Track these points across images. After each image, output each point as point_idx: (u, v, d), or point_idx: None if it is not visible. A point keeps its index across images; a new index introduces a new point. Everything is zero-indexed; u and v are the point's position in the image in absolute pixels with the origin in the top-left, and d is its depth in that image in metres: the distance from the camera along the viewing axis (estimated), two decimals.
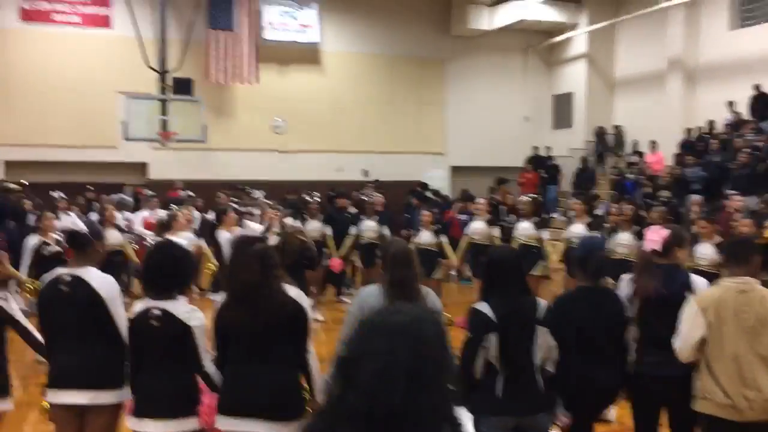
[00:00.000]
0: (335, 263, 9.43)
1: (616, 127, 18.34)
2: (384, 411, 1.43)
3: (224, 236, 7.43)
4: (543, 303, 3.44)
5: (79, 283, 3.52)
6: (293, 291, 3.37)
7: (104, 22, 16.53)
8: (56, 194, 11.18)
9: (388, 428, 1.44)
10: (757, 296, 3.34)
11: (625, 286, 3.89)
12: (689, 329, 3.39)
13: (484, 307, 3.33)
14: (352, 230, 9.78)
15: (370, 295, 3.46)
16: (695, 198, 11.01)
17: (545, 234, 8.91)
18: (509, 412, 2.69)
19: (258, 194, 14.06)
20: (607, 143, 18.23)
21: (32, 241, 7.36)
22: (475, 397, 3.34)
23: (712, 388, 3.34)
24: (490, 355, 3.28)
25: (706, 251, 7.32)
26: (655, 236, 3.79)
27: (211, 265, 8.17)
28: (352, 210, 10.70)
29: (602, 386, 3.32)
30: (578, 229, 8.67)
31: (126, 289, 9.58)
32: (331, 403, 1.54)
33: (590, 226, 8.62)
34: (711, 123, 15.20)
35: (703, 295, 3.48)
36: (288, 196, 13.26)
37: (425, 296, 3.42)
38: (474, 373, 3.29)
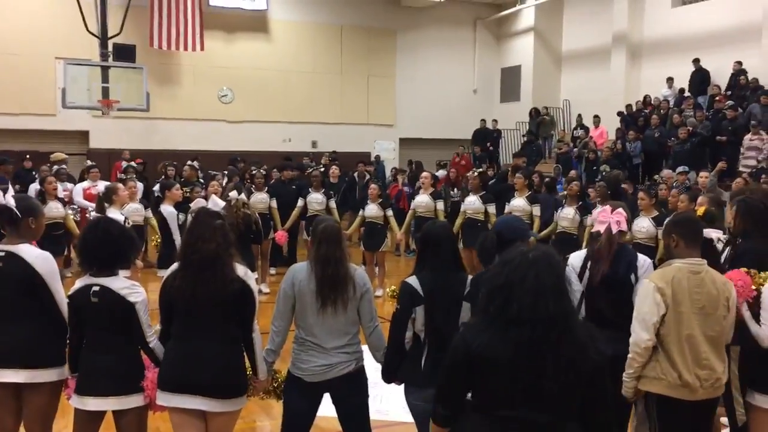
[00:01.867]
0: (280, 236, 9.42)
1: (546, 108, 18.19)
2: (545, 315, 2.19)
3: (168, 210, 7.28)
4: (471, 279, 3.51)
5: (12, 258, 3.42)
6: (240, 270, 3.37)
7: None
8: None
9: (546, 328, 2.19)
10: (708, 277, 3.38)
11: (577, 262, 3.84)
12: (649, 310, 3.35)
13: (413, 281, 3.43)
14: (299, 202, 9.74)
15: (299, 270, 3.51)
16: (667, 172, 11.37)
17: (492, 208, 9.04)
18: (433, 384, 2.75)
19: (194, 164, 13.71)
20: (542, 125, 18.04)
21: None
22: (404, 367, 3.47)
23: (667, 369, 3.35)
24: (417, 328, 3.39)
25: (643, 224, 7.54)
26: (617, 217, 3.77)
27: (156, 238, 8.00)
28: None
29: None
30: (520, 203, 8.83)
31: (67, 263, 9.37)
32: (495, 313, 2.26)
33: (530, 200, 8.80)
34: (645, 98, 15.54)
35: (659, 275, 3.45)
36: (230, 166, 13.02)
37: (353, 273, 3.47)
38: (403, 344, 3.42)
